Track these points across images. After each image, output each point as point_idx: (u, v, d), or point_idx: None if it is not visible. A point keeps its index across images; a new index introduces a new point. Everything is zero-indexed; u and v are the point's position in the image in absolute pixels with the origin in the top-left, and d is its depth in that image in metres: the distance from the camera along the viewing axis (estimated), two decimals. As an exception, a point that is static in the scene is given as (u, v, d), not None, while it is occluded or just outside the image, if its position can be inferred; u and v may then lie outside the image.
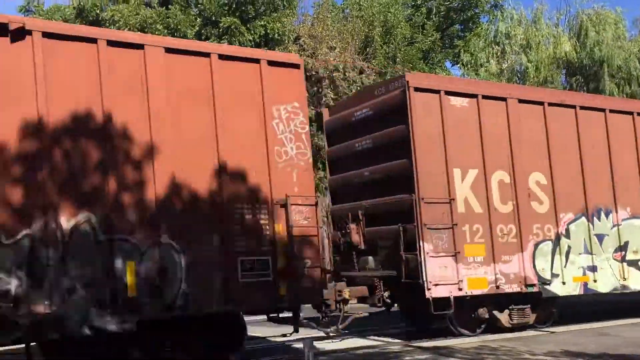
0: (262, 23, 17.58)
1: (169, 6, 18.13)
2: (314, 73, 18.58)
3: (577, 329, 10.38)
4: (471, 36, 25.93)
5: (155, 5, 18.00)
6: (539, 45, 23.20)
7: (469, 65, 24.35)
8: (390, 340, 10.11)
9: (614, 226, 11.07)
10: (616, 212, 11.13)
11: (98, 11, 18.12)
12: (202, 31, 17.48)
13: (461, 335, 9.95)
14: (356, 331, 10.71)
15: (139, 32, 16.29)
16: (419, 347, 9.16)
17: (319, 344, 9.08)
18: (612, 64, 21.81)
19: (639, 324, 10.82)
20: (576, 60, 22.75)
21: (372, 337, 10.47)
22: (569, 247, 10.55)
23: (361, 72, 19.86)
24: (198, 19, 17.89)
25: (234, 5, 17.18)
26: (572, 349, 8.24)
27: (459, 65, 25.68)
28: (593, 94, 22.59)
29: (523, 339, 9.39)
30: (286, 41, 18.44)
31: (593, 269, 10.69)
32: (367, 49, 20.84)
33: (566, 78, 23.65)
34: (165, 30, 17.11)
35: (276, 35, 17.88)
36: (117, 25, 16.81)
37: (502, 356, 8.04)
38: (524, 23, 24.01)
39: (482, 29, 25.08)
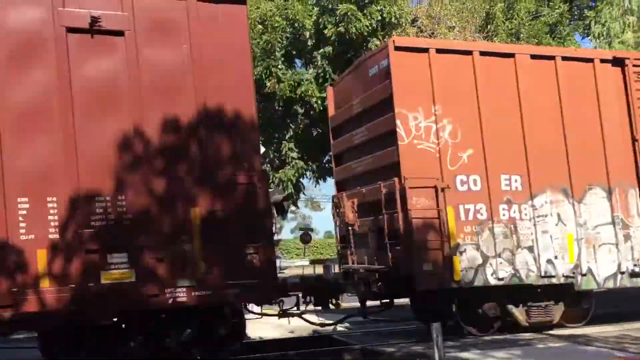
0: (378, 8, 17.42)
1: (287, -2, 18.51)
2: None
3: None
4: (603, 5, 24.02)
5: (274, -2, 18.45)
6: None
7: (602, 37, 22.60)
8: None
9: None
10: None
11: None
12: (320, 20, 17.66)
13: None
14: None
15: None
16: (552, 335, 8.72)
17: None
18: None
19: None
20: None
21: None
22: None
23: (482, 51, 19.12)
24: (315, 9, 18.09)
25: (350, -10, 17.18)
26: None
27: (589, 37, 23.94)
28: None
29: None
30: (404, 24, 18.15)
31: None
32: (489, 26, 20.00)
33: None
34: (284, 22, 17.49)
35: (393, 18, 17.65)
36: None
37: None
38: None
39: (616, -4, 23.15)
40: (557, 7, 23.09)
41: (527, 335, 9.06)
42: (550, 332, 9.35)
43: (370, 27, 17.28)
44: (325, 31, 17.37)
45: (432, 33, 18.56)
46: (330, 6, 17.38)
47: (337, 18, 17.16)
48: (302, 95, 17.32)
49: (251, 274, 7.69)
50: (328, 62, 17.90)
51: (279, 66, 17.41)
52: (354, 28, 16.94)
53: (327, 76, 18.07)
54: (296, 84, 17.58)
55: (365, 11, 17.29)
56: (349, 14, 16.84)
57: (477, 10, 19.73)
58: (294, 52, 18.46)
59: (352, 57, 18.14)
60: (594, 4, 25.79)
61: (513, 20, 20.40)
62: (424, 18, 19.09)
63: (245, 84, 8.00)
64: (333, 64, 18.04)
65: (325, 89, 17.89)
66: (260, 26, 17.26)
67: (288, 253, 44.66)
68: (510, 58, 10.22)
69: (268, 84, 17.25)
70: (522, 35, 20.15)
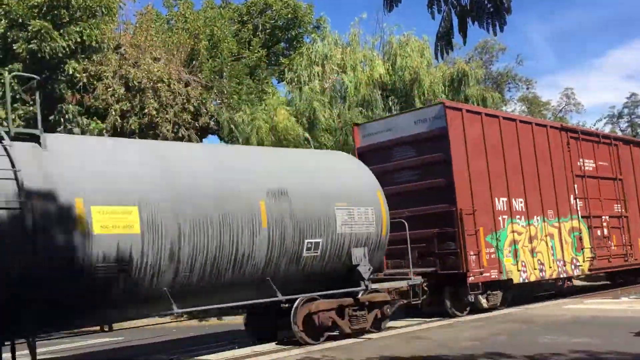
0: (77, 29, 16.45)
1: (-32, 4, 16.27)
2: (136, 83, 17.84)
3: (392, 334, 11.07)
4: (295, 55, 26.73)
5: (-49, 2, 16.00)
6: (356, 67, 24.60)
7: (294, 83, 25.05)
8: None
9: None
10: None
11: None
12: (8, 34, 15.90)
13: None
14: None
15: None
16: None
17: None
18: (422, 86, 23.90)
19: (446, 325, 11.84)
20: (390, 82, 24.53)
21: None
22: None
23: (187, 84, 19.49)
24: (3, 20, 16.24)
25: (44, 8, 15.86)
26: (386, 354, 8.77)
27: (284, 82, 26.31)
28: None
29: (342, 347, 9.77)
30: (105, 49, 17.47)
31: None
32: (194, 62, 20.53)
33: (383, 98, 25.35)
34: (-37, 31, 15.31)
35: (94, 42, 16.85)
36: None
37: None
38: (341, 45, 25.30)
39: (305, 48, 25.99)
40: (256, 51, 24.92)
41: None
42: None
43: (67, 49, 16.18)
44: (15, 47, 15.71)
45: (136, 62, 18.24)
46: (20, 20, 15.79)
47: (28, 34, 15.67)
48: (-17, 115, 15.26)
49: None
50: (17, 81, 16.17)
51: (-46, 81, 15.06)
52: (48, 47, 15.66)
53: (17, 96, 16.29)
54: (-24, 102, 15.42)
55: (62, 31, 16.16)
56: (42, 31, 15.53)
57: (183, 45, 20.10)
58: (-26, 66, 16.22)
59: (47, 78, 16.74)
60: (288, 52, 28.48)
61: (217, 58, 21.31)
62: (127, 46, 18.67)
63: None
64: (23, 83, 16.37)
65: (14, 109, 16.05)
66: None
67: None
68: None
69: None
70: (224, 74, 21.15)
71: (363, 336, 10.69)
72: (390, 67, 25.05)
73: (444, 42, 6.01)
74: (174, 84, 18.62)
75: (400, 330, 11.50)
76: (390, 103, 24.90)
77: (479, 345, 9.00)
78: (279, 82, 28.21)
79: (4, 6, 16.22)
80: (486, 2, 5.79)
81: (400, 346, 9.48)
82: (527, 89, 42.81)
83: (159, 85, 18.13)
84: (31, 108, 16.25)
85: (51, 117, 16.70)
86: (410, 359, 8.30)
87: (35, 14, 15.86)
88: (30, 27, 15.51)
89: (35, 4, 16.01)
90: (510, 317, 12.54)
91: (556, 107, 44.60)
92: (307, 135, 21.82)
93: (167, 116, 18.12)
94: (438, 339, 10.03)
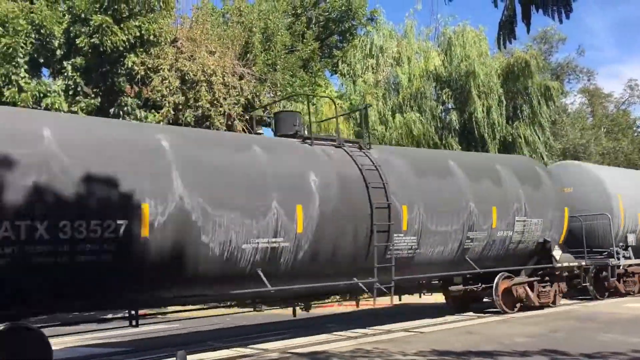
0: (137, 23, 16.88)
1: (34, 1, 16.91)
2: (191, 76, 18.17)
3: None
4: (349, 47, 26.67)
5: (18, -2, 16.68)
6: (411, 59, 24.31)
7: (347, 75, 25.00)
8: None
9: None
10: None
11: (-50, 1, 16.46)
12: (71, 29, 16.46)
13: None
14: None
15: None
16: (294, 354, 9.17)
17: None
18: (478, 77, 23.35)
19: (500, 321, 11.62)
20: (445, 74, 24.12)
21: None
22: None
23: (241, 77, 19.72)
24: (66, 16, 16.82)
25: (106, 3, 16.34)
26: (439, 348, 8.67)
27: (337, 74, 26.29)
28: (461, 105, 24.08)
29: (394, 340, 9.72)
30: (162, 43, 17.86)
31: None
32: (248, 55, 20.74)
33: (436, 90, 24.96)
34: (29, 27, 15.91)
35: (152, 36, 17.26)
36: (-30, 18, 15.37)
37: (375, 358, 8.26)
38: (396, 37, 25.04)
39: (359, 40, 25.88)
40: (309, 43, 24.98)
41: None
42: (295, 350, 9.86)
43: (127, 43, 16.63)
44: (78, 41, 16.25)
45: (192, 56, 18.57)
46: (83, 16, 16.31)
47: (90, 29, 16.18)
48: (48, 107, 15.87)
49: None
50: (80, 74, 16.75)
51: (21, 74, 15.71)
52: (109, 41, 16.14)
53: (79, 89, 16.87)
54: (42, 94, 16.06)
55: (122, 25, 16.60)
56: (104, 25, 16.00)
57: (237, 38, 20.32)
58: (41, 61, 16.88)
59: (107, 72, 17.25)
60: (342, 45, 28.44)
61: (270, 52, 21.46)
62: (184, 40, 19.03)
63: None
64: (85, 76, 16.94)
65: (76, 102, 16.69)
66: (0, 27, 15.44)
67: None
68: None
69: (7, 93, 15.44)
70: (277, 67, 21.28)
71: (413, 330, 10.62)
72: (445, 58, 24.63)
73: (506, 30, 5.87)
74: (228, 77, 18.87)
75: (451, 325, 11.36)
76: (444, 96, 24.53)
77: (535, 342, 8.78)
78: (332, 75, 28.23)
79: (67, 2, 16.80)
80: (552, -12, 5.60)
81: (452, 340, 9.36)
82: (588, 80, 41.36)
83: (213, 78, 18.41)
84: (92, 101, 16.81)
85: (111, 110, 17.23)
86: (462, 353, 8.18)
87: (97, 9, 16.34)
88: (92, 22, 16.00)
89: (97, -1, 16.50)
90: (570, 314, 12.20)
91: (619, 99, 42.90)
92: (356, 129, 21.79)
93: (220, 109, 18.39)
94: (490, 334, 9.85)
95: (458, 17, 36.73)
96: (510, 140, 23.96)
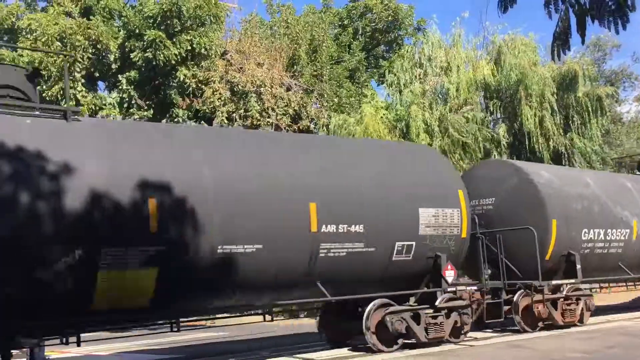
0: (188, 37, 17.36)
1: (91, 17, 17.60)
2: (241, 87, 18.52)
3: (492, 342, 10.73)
4: (395, 57, 26.60)
5: (76, 15, 17.41)
6: (459, 68, 24.06)
7: (394, 85, 24.92)
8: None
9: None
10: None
11: (14, 19, 17.33)
12: (126, 44, 17.06)
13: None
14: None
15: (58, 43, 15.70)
16: None
17: None
18: (529, 87, 22.89)
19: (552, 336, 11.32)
20: (494, 83, 23.75)
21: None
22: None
23: (288, 89, 19.97)
24: (121, 31, 17.45)
25: (159, 19, 16.87)
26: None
27: (384, 85, 26.25)
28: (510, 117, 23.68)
29: (443, 353, 9.60)
30: (213, 56, 18.28)
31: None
32: (295, 66, 20.99)
33: (484, 100, 24.61)
34: (86, 42, 16.58)
35: (202, 49, 17.70)
36: (34, 35, 16.11)
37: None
38: (444, 47, 24.84)
39: (406, 50, 25.79)
40: (356, 54, 25.06)
41: None
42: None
43: (178, 56, 17.11)
44: (132, 55, 16.81)
45: (241, 67, 18.93)
46: (137, 31, 16.88)
47: (144, 43, 16.72)
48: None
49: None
50: (134, 87, 17.31)
51: (78, 88, 16.37)
52: (162, 55, 16.64)
53: (133, 101, 17.44)
54: (98, 107, 16.68)
55: (174, 39, 17.10)
56: (157, 40, 16.52)
57: (285, 50, 20.60)
58: (97, 75, 17.55)
59: (160, 85, 17.78)
60: (388, 55, 28.40)
61: (317, 63, 21.65)
62: (233, 52, 19.42)
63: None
64: (139, 89, 17.50)
65: (130, 114, 17.25)
66: (58, 43, 16.13)
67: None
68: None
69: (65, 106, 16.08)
70: (324, 77, 21.44)
71: (462, 343, 10.45)
72: (494, 68, 24.27)
73: (560, 42, 5.76)
74: (275, 88, 19.15)
75: (492, 340, 11.13)
76: (492, 106, 24.18)
77: (589, 358, 8.54)
78: (378, 85, 28.21)
79: (122, 18, 17.42)
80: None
81: (502, 355, 9.18)
82: (645, 88, 39.95)
83: (262, 89, 18.72)
84: (145, 113, 17.33)
85: (164, 121, 17.72)
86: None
87: (150, 24, 16.89)
88: (145, 37, 16.54)
89: (151, 15, 17.05)
90: (625, 330, 11.80)
91: (676, 107, 41.25)
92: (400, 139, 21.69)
93: (268, 120, 18.66)
94: (542, 349, 9.62)
95: (507, 25, 36.20)
96: (563, 150, 23.41)
